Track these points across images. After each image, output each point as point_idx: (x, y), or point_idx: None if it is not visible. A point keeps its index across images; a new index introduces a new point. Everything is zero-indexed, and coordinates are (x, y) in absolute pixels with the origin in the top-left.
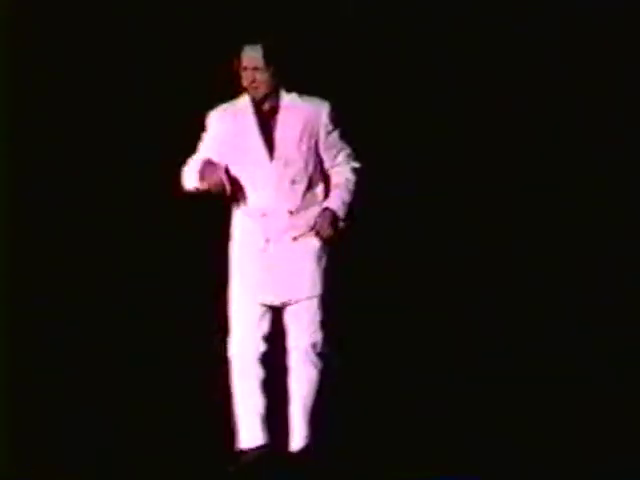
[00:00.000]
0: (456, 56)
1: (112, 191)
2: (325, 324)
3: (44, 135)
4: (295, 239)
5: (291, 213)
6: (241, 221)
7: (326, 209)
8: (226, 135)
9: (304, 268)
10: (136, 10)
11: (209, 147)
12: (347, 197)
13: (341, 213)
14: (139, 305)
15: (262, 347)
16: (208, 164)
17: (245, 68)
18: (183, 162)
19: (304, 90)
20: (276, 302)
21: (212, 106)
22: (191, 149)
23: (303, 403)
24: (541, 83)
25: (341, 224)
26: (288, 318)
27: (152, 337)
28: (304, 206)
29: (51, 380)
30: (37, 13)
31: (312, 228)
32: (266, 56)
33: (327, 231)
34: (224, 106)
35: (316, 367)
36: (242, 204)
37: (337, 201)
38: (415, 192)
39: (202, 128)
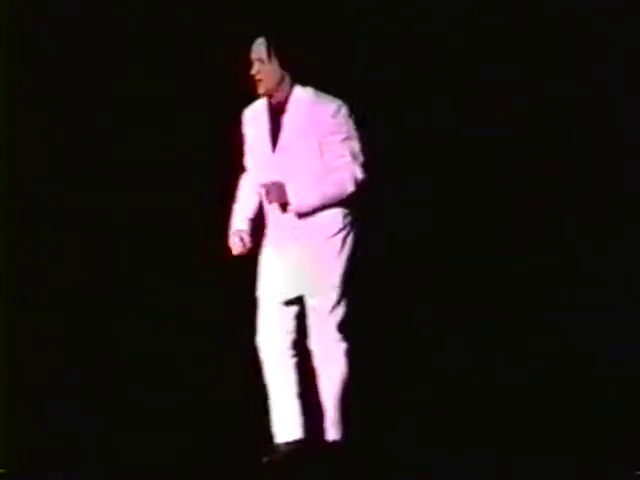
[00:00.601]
0: (458, 58)
1: (112, 191)
2: (346, 320)
3: (44, 135)
4: (297, 236)
5: (289, 211)
6: (267, 217)
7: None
8: (249, 131)
9: (301, 267)
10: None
11: (247, 149)
12: (318, 200)
13: (296, 205)
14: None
15: (289, 338)
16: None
17: (252, 60)
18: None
19: (320, 85)
20: (293, 295)
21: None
22: (196, 147)
23: (333, 396)
24: (541, 84)
25: (290, 209)
26: (307, 314)
27: (169, 334)
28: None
29: (51, 380)
30: (37, 13)
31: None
32: (269, 47)
33: (271, 197)
34: (253, 104)
35: (340, 363)
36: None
37: (307, 197)
38: (426, 191)
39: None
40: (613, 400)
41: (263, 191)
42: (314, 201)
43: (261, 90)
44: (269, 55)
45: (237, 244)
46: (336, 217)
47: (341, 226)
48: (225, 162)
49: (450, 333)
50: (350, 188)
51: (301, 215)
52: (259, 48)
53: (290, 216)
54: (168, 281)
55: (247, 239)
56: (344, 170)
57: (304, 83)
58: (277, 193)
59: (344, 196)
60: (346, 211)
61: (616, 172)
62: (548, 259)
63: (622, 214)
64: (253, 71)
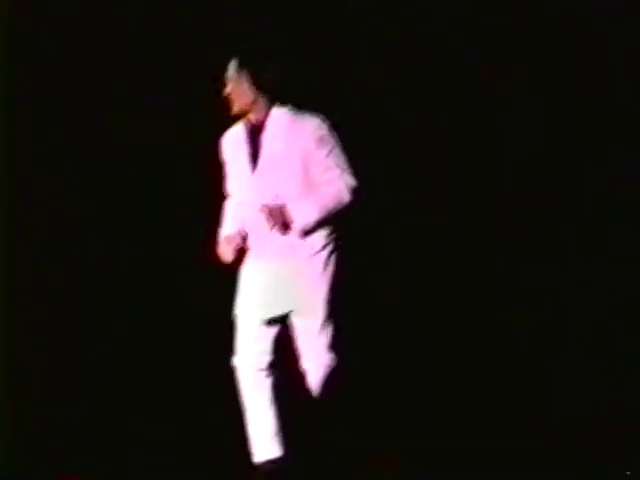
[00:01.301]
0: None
1: (112, 191)
2: (334, 338)
3: (44, 136)
4: (279, 255)
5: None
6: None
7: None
8: (228, 155)
9: (286, 284)
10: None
11: (228, 174)
12: (320, 215)
13: (301, 224)
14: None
15: (267, 358)
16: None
17: (226, 81)
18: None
19: (298, 104)
20: (271, 315)
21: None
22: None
23: None
24: (542, 87)
25: (295, 228)
26: (297, 334)
27: (160, 340)
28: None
29: (51, 382)
30: (37, 13)
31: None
32: (240, 67)
33: (273, 220)
34: (230, 129)
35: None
36: (247, 221)
37: (310, 214)
38: (415, 202)
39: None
40: (613, 400)
41: (264, 215)
42: (317, 216)
43: (235, 109)
44: (240, 75)
45: (227, 250)
46: (320, 234)
47: (325, 243)
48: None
49: (438, 348)
50: (347, 198)
51: (306, 233)
52: (232, 68)
53: (274, 233)
54: (167, 283)
55: (239, 240)
56: (337, 181)
57: (281, 104)
58: (279, 215)
59: (342, 206)
60: (330, 228)
61: (616, 172)
62: (548, 260)
63: (622, 214)
64: (226, 91)
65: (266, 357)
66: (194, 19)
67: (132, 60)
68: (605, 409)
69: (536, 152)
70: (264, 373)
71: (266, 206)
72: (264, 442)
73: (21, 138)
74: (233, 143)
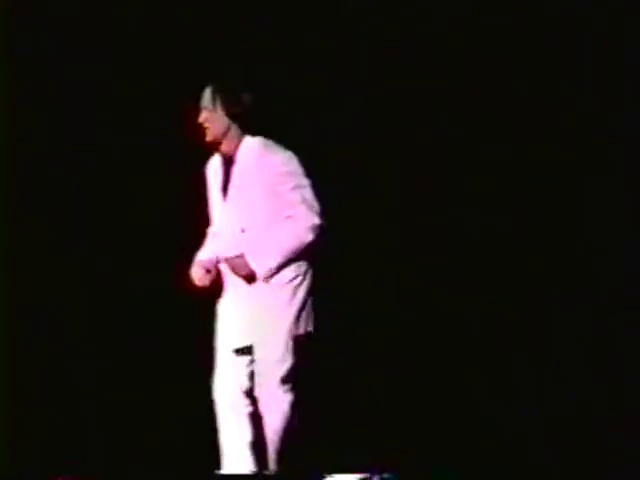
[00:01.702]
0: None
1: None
2: (295, 367)
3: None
4: (244, 285)
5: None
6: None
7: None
8: (209, 184)
9: (250, 316)
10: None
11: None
12: (281, 257)
13: (262, 273)
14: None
15: (242, 389)
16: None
17: (200, 109)
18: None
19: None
20: (239, 345)
21: None
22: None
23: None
24: (542, 92)
25: (259, 277)
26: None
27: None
28: (253, 253)
29: (51, 383)
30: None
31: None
32: (214, 96)
33: (236, 271)
34: (212, 157)
35: (284, 412)
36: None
37: (269, 261)
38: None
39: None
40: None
41: (228, 267)
42: (277, 261)
43: (208, 138)
44: (214, 104)
45: (199, 274)
46: (288, 265)
47: (294, 275)
48: None
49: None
50: (309, 237)
51: (270, 277)
52: (206, 96)
53: (224, 265)
54: (166, 284)
55: (212, 270)
56: (299, 219)
57: (253, 133)
58: (241, 267)
59: (304, 246)
60: (299, 260)
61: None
62: (548, 262)
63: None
64: (200, 119)
65: (241, 387)
66: (191, 22)
67: (132, 62)
68: (605, 409)
69: (537, 162)
70: (241, 403)
71: (227, 259)
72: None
73: (21, 138)
74: (211, 171)
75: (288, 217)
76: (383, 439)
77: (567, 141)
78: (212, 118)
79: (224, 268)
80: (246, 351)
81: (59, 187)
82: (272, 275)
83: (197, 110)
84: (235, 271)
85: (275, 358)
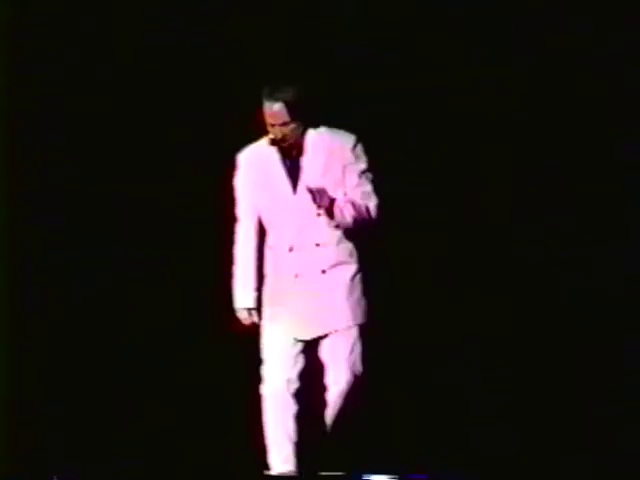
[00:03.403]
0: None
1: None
2: (366, 356)
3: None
4: (324, 272)
5: (318, 246)
6: (272, 258)
7: (332, 200)
8: (255, 174)
9: (334, 301)
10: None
11: (243, 189)
12: (354, 215)
13: (338, 216)
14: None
15: (296, 384)
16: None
17: (272, 125)
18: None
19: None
20: (307, 337)
21: None
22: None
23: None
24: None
25: (337, 217)
26: (324, 353)
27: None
28: (331, 238)
29: (51, 384)
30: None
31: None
32: (290, 111)
33: (321, 202)
34: (251, 146)
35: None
36: (271, 240)
37: (345, 208)
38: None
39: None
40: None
41: (310, 195)
42: (349, 220)
43: (283, 143)
44: (292, 118)
45: (247, 319)
46: (332, 251)
47: (340, 260)
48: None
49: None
50: (374, 216)
51: (332, 217)
52: (280, 113)
53: (316, 249)
54: (166, 285)
55: (256, 317)
56: (369, 198)
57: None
58: (323, 194)
59: (368, 222)
60: (345, 244)
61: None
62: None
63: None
64: (279, 136)
65: (295, 382)
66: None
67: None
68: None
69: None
70: (291, 401)
71: (309, 189)
72: (281, 463)
73: (21, 139)
74: (261, 164)
75: (361, 195)
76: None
77: (567, 141)
78: (290, 129)
79: (295, 259)
80: (304, 345)
81: (60, 188)
82: (339, 222)
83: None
84: (317, 197)
85: (350, 344)
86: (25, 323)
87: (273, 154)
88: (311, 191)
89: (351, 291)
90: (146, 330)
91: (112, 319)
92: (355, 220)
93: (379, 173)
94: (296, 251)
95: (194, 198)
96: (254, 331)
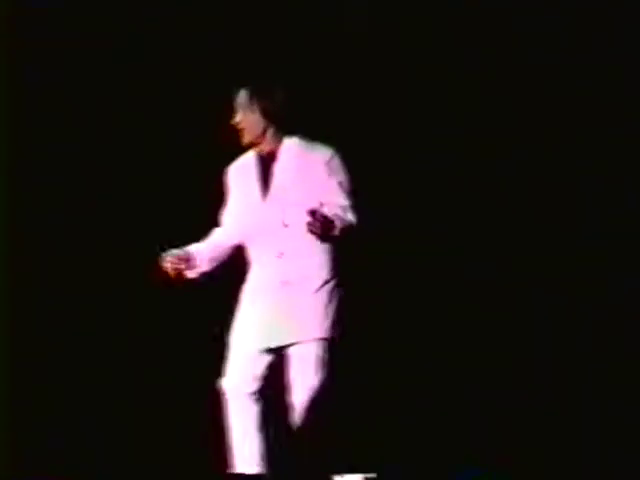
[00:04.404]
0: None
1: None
2: (330, 368)
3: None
4: (285, 283)
5: (280, 256)
6: (251, 264)
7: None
8: (234, 184)
9: (294, 313)
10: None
11: (230, 202)
12: (340, 223)
13: (337, 221)
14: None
15: (257, 384)
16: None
17: (235, 109)
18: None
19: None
20: (267, 345)
21: None
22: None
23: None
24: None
25: (335, 230)
26: (288, 362)
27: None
28: (295, 250)
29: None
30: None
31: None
32: (251, 96)
33: (318, 228)
34: (238, 159)
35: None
36: (250, 249)
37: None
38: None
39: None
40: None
41: (310, 219)
42: (342, 223)
43: (246, 139)
44: (251, 104)
45: (176, 265)
46: (326, 265)
47: (331, 276)
48: None
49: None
50: (352, 228)
51: (324, 239)
52: (242, 96)
53: (277, 263)
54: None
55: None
56: (346, 211)
57: (290, 134)
58: (321, 218)
59: (347, 233)
60: (314, 257)
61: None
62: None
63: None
64: (236, 120)
65: (257, 382)
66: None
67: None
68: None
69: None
70: (253, 397)
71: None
72: (247, 465)
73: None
74: (241, 172)
75: (338, 208)
76: (402, 447)
77: (567, 141)
78: (249, 119)
79: (256, 268)
80: (274, 350)
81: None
82: (327, 239)
83: (229, 112)
84: (317, 224)
85: (314, 359)
86: (25, 323)
87: (251, 162)
88: (312, 213)
89: (316, 304)
90: (145, 330)
91: (112, 319)
92: (341, 233)
93: (357, 185)
94: (257, 261)
95: (194, 199)
96: None
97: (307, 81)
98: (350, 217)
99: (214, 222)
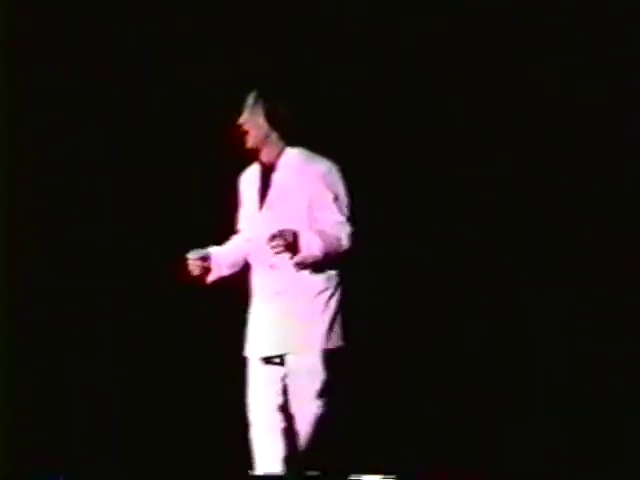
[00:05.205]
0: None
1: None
2: (328, 380)
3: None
4: (277, 294)
5: (272, 267)
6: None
7: (295, 234)
8: (243, 193)
9: (283, 322)
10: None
11: (240, 210)
12: (321, 252)
13: (304, 249)
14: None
15: (279, 400)
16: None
17: (239, 114)
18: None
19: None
20: (261, 355)
21: None
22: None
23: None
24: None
25: (298, 257)
26: (285, 372)
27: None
28: (286, 263)
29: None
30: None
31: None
32: (257, 99)
33: (279, 247)
34: (248, 168)
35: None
36: (250, 258)
37: (311, 240)
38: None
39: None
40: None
41: (276, 233)
42: (318, 253)
43: (249, 143)
44: (256, 106)
45: (196, 265)
46: (320, 276)
47: (325, 286)
48: None
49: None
50: (346, 245)
51: (301, 266)
52: (249, 98)
53: (277, 272)
54: (166, 287)
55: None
56: (339, 227)
57: (293, 144)
58: (289, 235)
59: (340, 251)
60: (331, 272)
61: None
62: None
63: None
64: (240, 120)
65: (276, 399)
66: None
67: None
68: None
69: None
70: (275, 416)
71: (280, 230)
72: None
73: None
74: (247, 182)
75: (330, 225)
76: (415, 455)
77: (566, 142)
78: (252, 121)
79: (256, 277)
80: (277, 361)
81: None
82: (304, 265)
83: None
84: (283, 236)
85: (308, 370)
86: (25, 323)
87: (256, 171)
88: (273, 236)
89: (309, 314)
90: (146, 331)
91: (112, 319)
92: (325, 252)
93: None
94: (255, 270)
95: (194, 200)
96: None
97: (313, 89)
98: (343, 234)
99: (213, 225)
